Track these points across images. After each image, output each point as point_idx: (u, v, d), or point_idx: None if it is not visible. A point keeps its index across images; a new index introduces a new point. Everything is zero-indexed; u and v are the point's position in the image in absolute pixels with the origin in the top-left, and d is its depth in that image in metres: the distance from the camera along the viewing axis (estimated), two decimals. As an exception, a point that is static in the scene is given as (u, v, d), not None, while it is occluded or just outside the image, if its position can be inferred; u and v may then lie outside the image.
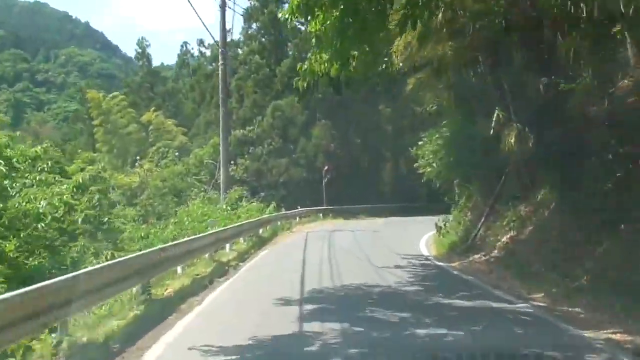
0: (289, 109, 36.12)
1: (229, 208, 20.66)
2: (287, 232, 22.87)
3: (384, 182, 49.10)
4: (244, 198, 28.71)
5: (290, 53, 38.25)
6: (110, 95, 41.69)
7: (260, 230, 19.67)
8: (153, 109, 42.12)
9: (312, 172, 36.29)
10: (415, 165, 20.12)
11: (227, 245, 13.66)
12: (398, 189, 48.96)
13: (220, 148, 23.57)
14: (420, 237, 19.92)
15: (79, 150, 38.08)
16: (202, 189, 29.00)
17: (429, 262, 13.77)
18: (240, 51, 42.06)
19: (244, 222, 16.50)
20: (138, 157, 34.48)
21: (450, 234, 16.41)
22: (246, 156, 37.13)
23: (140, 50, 51.23)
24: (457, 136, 14.82)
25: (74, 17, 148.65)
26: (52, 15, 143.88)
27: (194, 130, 42.22)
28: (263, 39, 39.47)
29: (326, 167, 33.82)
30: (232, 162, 36.75)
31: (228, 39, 25.63)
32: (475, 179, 15.76)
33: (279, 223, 24.58)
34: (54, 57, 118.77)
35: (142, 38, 59.69)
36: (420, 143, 18.30)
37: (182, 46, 50.77)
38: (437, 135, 16.18)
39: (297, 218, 29.44)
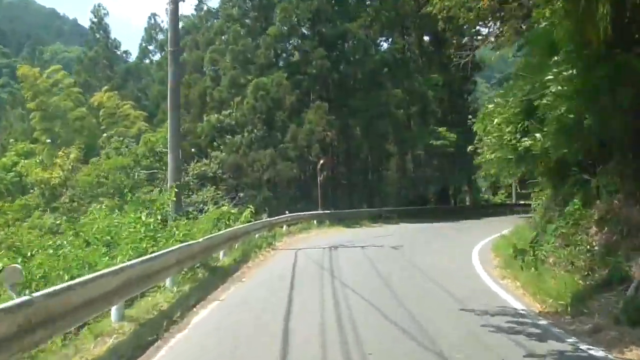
0: (276, 89, 28.85)
1: (172, 218, 13.26)
2: (267, 252, 15.63)
3: (388, 180, 42.14)
4: (209, 201, 21.54)
5: (278, 19, 30.94)
6: (49, 70, 34.14)
7: (221, 254, 12.40)
8: (105, 88, 34.53)
9: (303, 168, 29.10)
10: (472, 147, 13.05)
11: (115, 310, 6.28)
12: (405, 189, 41.95)
13: (169, 123, 16.22)
14: (472, 260, 13.04)
15: (12, 140, 30.56)
16: (156, 186, 21.68)
17: (546, 334, 6.57)
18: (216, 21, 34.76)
19: (183, 245, 9.05)
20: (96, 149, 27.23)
21: (554, 266, 9.21)
22: (222, 147, 29.81)
23: (96, 20, 42.89)
24: (592, 79, 7.63)
25: (61, 14, 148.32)
26: (39, 11, 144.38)
27: (160, 116, 34.79)
28: (244, 2, 32.17)
29: (322, 162, 26.58)
30: (201, 157, 29.45)
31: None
32: (619, 164, 8.58)
33: (257, 236, 17.35)
34: (39, 53, 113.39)
35: (99, 6, 48.57)
36: (490, 107, 11.07)
37: (149, 18, 42.54)
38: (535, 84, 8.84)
39: (284, 227, 22.22)
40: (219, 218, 17.78)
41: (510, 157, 10.32)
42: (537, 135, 8.62)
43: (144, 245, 8.69)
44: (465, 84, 43.83)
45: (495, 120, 10.54)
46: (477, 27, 17.49)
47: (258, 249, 15.24)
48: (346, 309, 7.65)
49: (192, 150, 29.92)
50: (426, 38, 39.96)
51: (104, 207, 12.69)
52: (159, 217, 11.02)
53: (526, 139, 9.15)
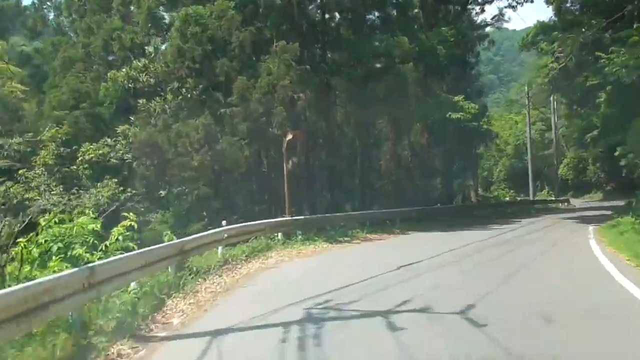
0: (217, 23, 18.43)
1: None
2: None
3: (383, 172, 32.35)
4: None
5: None
6: None
7: None
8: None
9: (262, 148, 18.87)
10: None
11: None
12: (403, 183, 32.15)
13: None
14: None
15: None
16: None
17: None
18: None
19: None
20: None
21: None
22: (133, 118, 19.27)
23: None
24: None
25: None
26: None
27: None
28: None
29: (289, 137, 16.36)
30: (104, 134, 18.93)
31: None
32: None
33: (132, 290, 7.17)
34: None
35: None
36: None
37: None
38: None
39: (219, 250, 12.05)
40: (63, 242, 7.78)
41: None
42: None
43: None
44: (473, 49, 34.34)
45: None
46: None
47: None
48: None
49: (87, 124, 19.26)
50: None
51: None
52: None
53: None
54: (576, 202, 45.02)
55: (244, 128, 17.37)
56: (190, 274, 9.69)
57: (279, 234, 15.92)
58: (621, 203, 38.81)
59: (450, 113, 23.62)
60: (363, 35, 22.49)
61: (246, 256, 12.49)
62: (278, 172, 17.43)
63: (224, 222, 12.64)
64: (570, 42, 17.61)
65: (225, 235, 11.86)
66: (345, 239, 17.45)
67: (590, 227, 19.94)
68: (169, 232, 9.96)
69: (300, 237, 16.36)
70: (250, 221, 15.47)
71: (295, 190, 21.54)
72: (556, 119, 45.47)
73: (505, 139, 63.48)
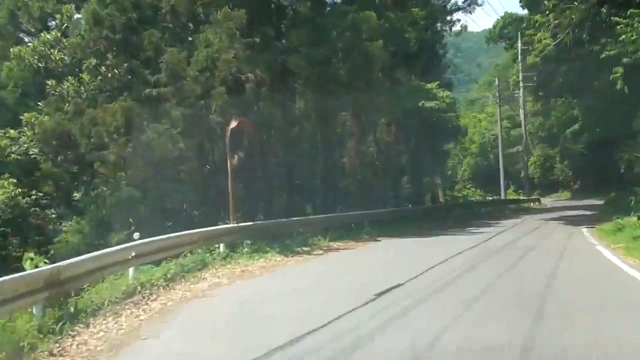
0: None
1: None
2: None
3: (343, 170, 29.50)
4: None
5: None
6: None
7: None
8: None
9: (204, 138, 15.54)
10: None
11: None
12: (366, 184, 29.34)
13: None
14: None
15: None
16: None
17: None
18: None
19: None
20: None
21: None
22: (42, 104, 15.55)
23: None
24: None
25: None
26: None
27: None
28: None
29: (233, 124, 13.14)
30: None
31: None
32: None
33: None
34: None
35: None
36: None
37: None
38: None
39: (131, 271, 8.70)
40: None
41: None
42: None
43: None
44: (442, 38, 31.83)
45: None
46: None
47: None
48: None
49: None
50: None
51: None
52: None
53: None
54: (545, 202, 43.42)
55: (178, 114, 13.98)
56: (65, 318, 6.39)
57: (221, 246, 12.68)
58: (592, 202, 37.47)
59: (423, 102, 20.87)
60: (325, 11, 19.48)
61: (167, 280, 9.20)
62: (221, 172, 14.17)
63: (135, 235, 9.32)
64: (569, 13, 15.12)
65: (133, 253, 8.52)
66: (305, 249, 14.32)
67: (584, 230, 17.60)
68: (32, 256, 6.57)
69: (248, 248, 13.18)
70: (191, 229, 12.24)
71: (245, 192, 18.34)
72: (525, 114, 43.78)
73: (470, 137, 61.96)
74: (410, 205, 27.03)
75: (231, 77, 13.60)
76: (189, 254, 11.56)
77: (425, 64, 27.25)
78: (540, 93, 49.10)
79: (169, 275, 9.77)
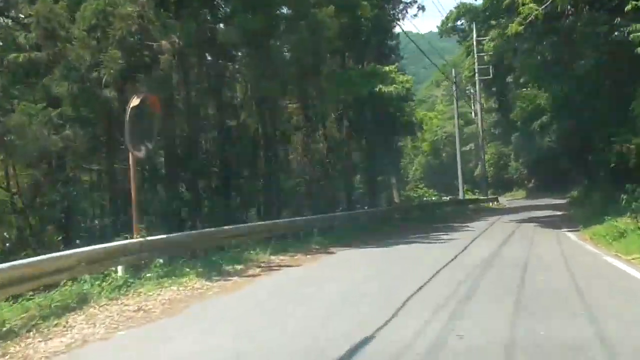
0: None
1: None
2: None
3: (289, 169, 26.42)
4: None
5: None
6: None
7: None
8: None
9: (96, 121, 11.90)
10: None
11: None
12: (316, 184, 26.29)
13: None
14: None
15: None
16: None
17: None
18: None
19: None
20: None
21: None
22: None
23: None
24: None
25: None
26: None
27: None
28: None
29: (135, 101, 9.59)
30: None
31: None
32: None
33: None
34: None
35: None
36: None
37: None
38: None
39: None
40: None
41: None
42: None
43: None
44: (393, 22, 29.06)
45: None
46: None
47: None
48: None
49: None
50: None
51: None
52: None
53: None
54: (502, 201, 41.87)
55: (63, 90, 10.31)
56: None
57: (119, 269, 9.20)
58: (551, 201, 36.01)
59: (380, 86, 17.96)
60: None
61: (6, 332, 5.71)
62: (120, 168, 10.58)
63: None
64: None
65: None
66: (238, 267, 11.01)
67: (569, 234, 15.21)
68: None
69: (159, 270, 9.76)
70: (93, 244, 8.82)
71: (167, 195, 14.87)
72: (481, 109, 42.06)
73: (421, 136, 60.40)
74: (365, 208, 24.18)
75: (133, 40, 10.06)
76: (68, 284, 8.18)
77: (379, 45, 24.51)
78: (493, 88, 47.72)
79: (13, 322, 6.34)
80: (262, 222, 14.61)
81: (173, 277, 9.50)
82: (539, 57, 15.35)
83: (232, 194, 17.46)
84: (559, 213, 23.90)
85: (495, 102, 50.89)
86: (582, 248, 11.99)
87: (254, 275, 10.21)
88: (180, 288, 9.01)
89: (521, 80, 32.38)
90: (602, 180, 19.31)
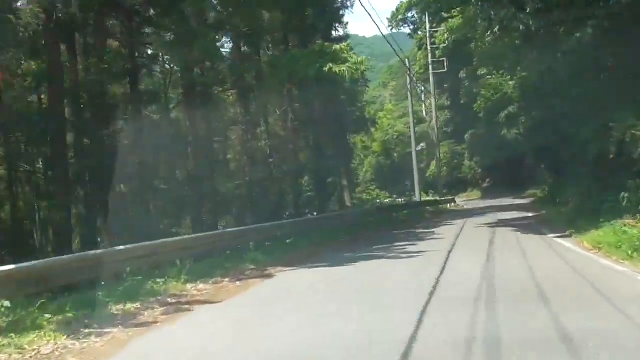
0: None
1: None
2: None
3: (226, 169, 23.34)
4: None
5: None
6: None
7: None
8: None
9: None
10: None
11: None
12: (256, 187, 23.03)
13: None
14: None
15: None
16: None
17: None
18: None
19: None
20: None
21: None
22: None
23: None
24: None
25: None
26: None
27: None
28: None
29: None
30: None
31: None
32: None
33: None
34: None
35: None
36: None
37: None
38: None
39: None
40: None
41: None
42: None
43: None
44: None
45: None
46: None
47: None
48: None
49: None
50: None
51: None
52: None
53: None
54: (459, 202, 39.87)
55: None
56: None
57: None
58: (509, 201, 34.13)
59: (330, 64, 14.86)
60: None
61: None
62: None
63: None
64: None
65: None
66: (131, 306, 7.62)
67: (560, 240, 12.67)
68: None
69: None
70: None
71: (57, 211, 11.30)
72: (434, 105, 39.99)
73: (372, 136, 58.14)
74: (315, 213, 21.12)
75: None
76: None
77: (326, 29, 21.53)
78: (445, 85, 45.90)
79: None
80: (179, 237, 11.18)
81: (13, 335, 6.02)
82: (521, 27, 12.75)
83: (144, 201, 13.87)
84: (529, 214, 21.66)
85: (448, 98, 49.22)
86: (597, 263, 9.30)
87: (147, 325, 6.79)
88: (21, 354, 5.58)
89: (478, 72, 30.41)
90: (580, 175, 17.05)
